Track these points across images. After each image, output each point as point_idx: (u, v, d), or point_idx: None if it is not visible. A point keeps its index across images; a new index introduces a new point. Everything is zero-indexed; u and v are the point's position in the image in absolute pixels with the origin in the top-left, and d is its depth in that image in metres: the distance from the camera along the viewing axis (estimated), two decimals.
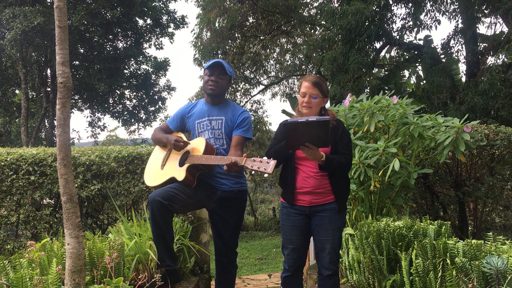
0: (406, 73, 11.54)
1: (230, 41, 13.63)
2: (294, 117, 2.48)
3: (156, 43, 15.43)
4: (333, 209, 2.40)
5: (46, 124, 14.69)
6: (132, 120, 16.43)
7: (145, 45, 15.40)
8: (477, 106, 7.77)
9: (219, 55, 13.02)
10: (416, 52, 10.28)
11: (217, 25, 13.03)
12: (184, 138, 2.85)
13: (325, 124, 2.13)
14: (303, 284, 2.57)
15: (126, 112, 16.31)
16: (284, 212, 2.49)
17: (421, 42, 10.18)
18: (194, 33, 13.63)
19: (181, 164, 2.66)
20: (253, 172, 2.36)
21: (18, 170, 3.75)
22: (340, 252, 3.19)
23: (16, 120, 16.49)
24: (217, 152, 2.70)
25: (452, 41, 9.83)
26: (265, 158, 2.23)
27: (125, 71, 15.32)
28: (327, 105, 2.67)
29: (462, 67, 12.04)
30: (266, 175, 2.20)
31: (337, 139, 2.40)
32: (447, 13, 10.03)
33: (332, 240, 2.39)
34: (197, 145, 2.68)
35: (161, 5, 14.80)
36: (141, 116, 16.50)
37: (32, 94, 15.05)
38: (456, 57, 10.04)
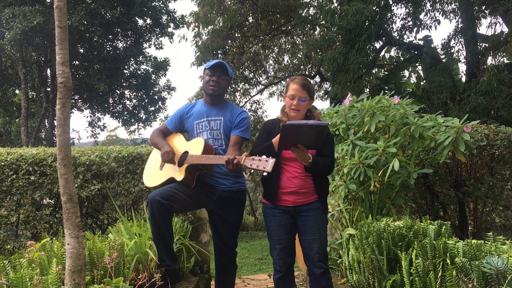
0: (406, 73, 11.55)
1: (230, 41, 13.63)
2: (279, 117, 2.55)
3: (156, 43, 15.45)
4: (317, 208, 2.45)
5: (46, 124, 14.69)
6: (132, 120, 16.45)
7: (145, 45, 15.43)
8: (480, 107, 7.78)
9: (219, 55, 13.02)
10: (416, 52, 10.28)
11: (216, 23, 13.03)
12: (183, 139, 2.85)
13: (323, 129, 2.19)
14: (295, 282, 2.59)
15: (126, 112, 16.32)
16: (269, 213, 2.51)
17: (421, 42, 10.19)
18: (194, 32, 13.65)
19: (180, 164, 2.66)
20: (252, 171, 2.36)
21: (18, 170, 3.75)
22: (340, 252, 3.20)
23: (16, 120, 16.50)
24: (216, 152, 2.70)
25: (452, 41, 9.83)
26: (264, 156, 2.22)
27: (125, 71, 15.33)
28: (327, 104, 2.69)
29: (462, 67, 12.05)
30: (265, 173, 2.19)
31: (323, 142, 2.42)
32: (447, 13, 10.04)
33: (319, 238, 2.42)
34: (196, 145, 2.68)
35: (161, 5, 14.82)
36: (141, 116, 16.51)
37: (32, 94, 15.05)
38: (456, 57, 10.04)
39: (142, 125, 16.85)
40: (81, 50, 14.17)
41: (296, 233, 2.54)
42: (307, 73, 14.93)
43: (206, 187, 2.74)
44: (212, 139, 2.76)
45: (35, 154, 3.80)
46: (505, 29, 9.41)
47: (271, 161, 2.18)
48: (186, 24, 14.11)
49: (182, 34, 13.48)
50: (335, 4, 10.81)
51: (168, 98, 22.08)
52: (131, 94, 16.26)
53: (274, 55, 15.48)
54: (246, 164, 2.27)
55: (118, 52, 14.49)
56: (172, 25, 15.18)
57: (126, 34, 14.64)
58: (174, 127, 2.92)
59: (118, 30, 14.25)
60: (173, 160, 2.69)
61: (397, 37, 9.99)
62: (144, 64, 15.87)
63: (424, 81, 10.32)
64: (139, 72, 15.70)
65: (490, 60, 9.67)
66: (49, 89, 14.00)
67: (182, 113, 2.91)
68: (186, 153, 2.69)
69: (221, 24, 12.94)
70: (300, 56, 14.91)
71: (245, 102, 15.84)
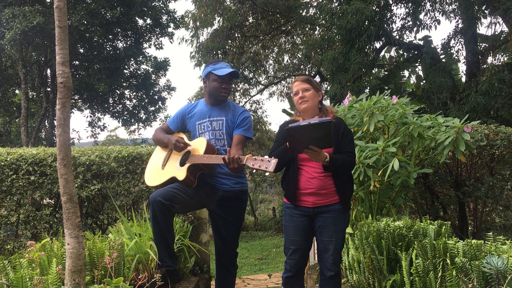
0: (406, 73, 11.55)
1: (230, 41, 13.64)
2: (292, 119, 2.48)
3: (156, 43, 15.45)
4: (337, 209, 2.37)
5: (46, 124, 14.70)
6: (132, 120, 16.45)
7: (145, 45, 15.43)
8: (479, 106, 7.77)
9: (219, 55, 13.02)
10: (416, 52, 10.28)
11: (216, 24, 13.03)
12: (185, 139, 2.85)
13: (327, 125, 2.09)
14: (304, 285, 2.56)
15: (126, 112, 16.32)
16: (287, 213, 2.47)
17: (421, 42, 10.19)
18: (191, 32, 13.66)
19: (182, 164, 2.66)
20: (254, 171, 2.35)
21: (18, 170, 3.74)
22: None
23: (16, 120, 16.50)
24: (218, 152, 2.70)
25: (452, 41, 9.83)
26: (266, 156, 2.21)
27: (125, 71, 15.34)
28: (327, 104, 2.67)
29: (462, 67, 12.06)
30: (267, 173, 2.17)
31: (339, 138, 2.37)
32: (447, 13, 10.04)
33: (335, 241, 2.36)
34: (198, 145, 2.68)
35: (161, 5, 14.82)
36: (141, 116, 16.52)
37: (32, 94, 15.05)
38: (456, 57, 10.04)
39: (142, 125, 16.86)
40: (81, 50, 14.18)
41: (313, 235, 2.48)
42: (307, 73, 14.93)
43: (208, 187, 2.74)
44: (214, 140, 2.76)
45: (35, 154, 3.80)
46: (505, 29, 9.41)
47: (274, 161, 2.16)
48: (184, 24, 14.13)
49: (182, 36, 13.48)
50: (335, 4, 10.80)
51: (168, 98, 22.13)
52: (131, 94, 16.27)
53: (274, 55, 15.49)
54: (248, 164, 2.24)
55: (118, 52, 14.49)
56: (172, 25, 15.19)
57: (126, 34, 14.64)
58: (176, 127, 2.92)
59: (118, 30, 14.25)
60: (186, 146, 2.68)
61: (397, 37, 9.99)
62: (144, 64, 15.88)
63: (424, 81, 10.32)
64: (139, 72, 15.70)
65: (490, 60, 9.68)
66: (49, 89, 14.01)
67: (184, 113, 2.91)
68: (188, 152, 2.69)
69: (220, 24, 12.95)
70: (300, 56, 14.91)
71: (245, 102, 15.86)
